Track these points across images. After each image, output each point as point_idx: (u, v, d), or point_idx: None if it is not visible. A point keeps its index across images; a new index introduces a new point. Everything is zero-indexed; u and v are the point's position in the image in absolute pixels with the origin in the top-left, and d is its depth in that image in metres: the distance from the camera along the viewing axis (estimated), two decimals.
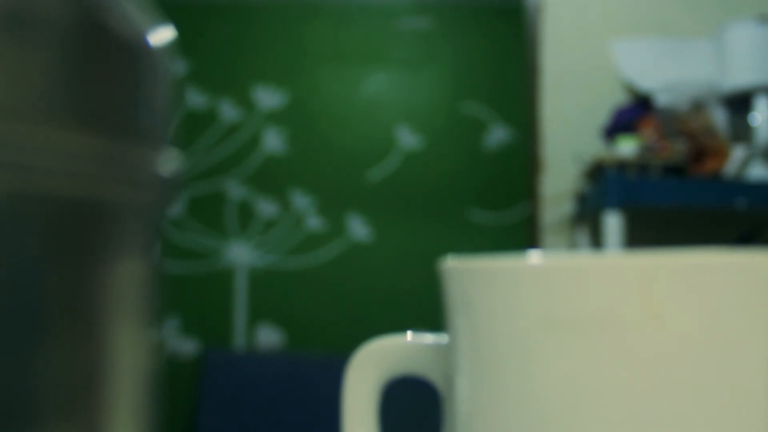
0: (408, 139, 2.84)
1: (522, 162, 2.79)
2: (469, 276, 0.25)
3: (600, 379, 0.23)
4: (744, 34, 2.02)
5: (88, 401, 0.13)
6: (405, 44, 2.87)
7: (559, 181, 2.32)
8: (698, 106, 1.98)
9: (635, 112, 2.12)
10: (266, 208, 2.81)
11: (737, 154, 1.91)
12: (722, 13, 2.31)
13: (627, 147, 1.93)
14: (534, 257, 0.24)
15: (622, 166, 1.90)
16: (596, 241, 2.27)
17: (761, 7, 2.32)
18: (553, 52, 2.34)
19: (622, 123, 2.11)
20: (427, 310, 2.77)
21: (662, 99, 2.12)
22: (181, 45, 2.85)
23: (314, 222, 2.80)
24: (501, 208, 2.82)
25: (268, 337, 2.76)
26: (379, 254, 2.80)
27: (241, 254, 2.79)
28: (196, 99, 2.85)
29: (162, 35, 0.16)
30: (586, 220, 2.27)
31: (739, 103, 2.09)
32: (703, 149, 1.91)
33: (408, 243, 2.80)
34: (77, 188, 0.13)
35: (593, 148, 2.31)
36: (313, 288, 2.78)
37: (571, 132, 2.31)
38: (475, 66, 2.86)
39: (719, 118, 2.06)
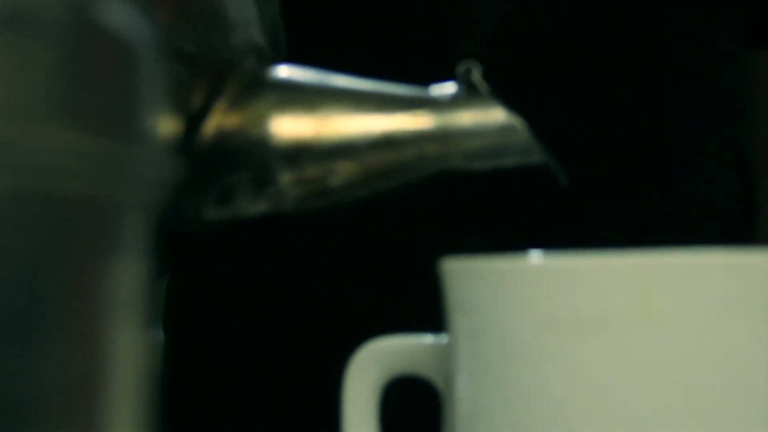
0: None
1: None
2: (470, 276, 0.25)
3: (600, 379, 0.23)
4: None
5: (88, 402, 0.13)
6: None
7: None
8: None
9: None
10: None
11: None
12: None
13: None
14: (534, 257, 0.24)
15: None
16: None
17: None
18: None
19: None
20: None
21: None
22: None
23: None
24: None
25: None
26: None
27: None
28: None
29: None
30: None
31: None
32: None
33: None
34: (77, 188, 0.13)
35: None
36: None
37: None
38: None
39: None
